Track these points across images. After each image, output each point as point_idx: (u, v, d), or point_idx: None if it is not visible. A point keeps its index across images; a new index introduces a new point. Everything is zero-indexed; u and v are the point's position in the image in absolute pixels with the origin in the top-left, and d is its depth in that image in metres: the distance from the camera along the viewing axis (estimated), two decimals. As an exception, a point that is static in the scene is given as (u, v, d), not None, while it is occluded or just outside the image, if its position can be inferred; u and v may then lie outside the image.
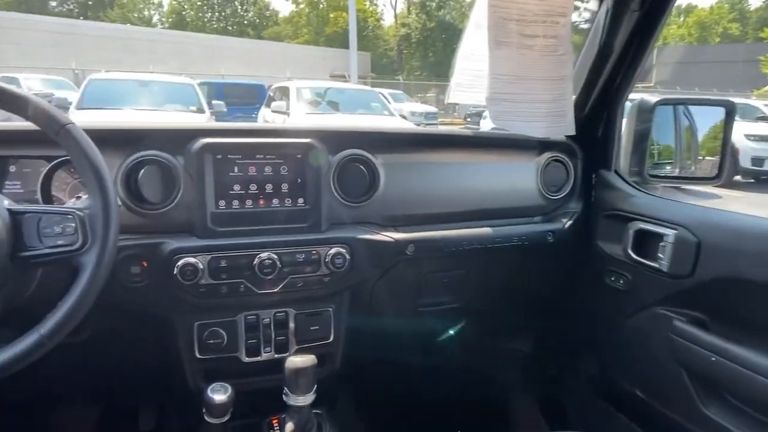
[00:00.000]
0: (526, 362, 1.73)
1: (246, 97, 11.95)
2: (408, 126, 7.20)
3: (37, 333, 0.73)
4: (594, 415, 1.50)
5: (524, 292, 1.51)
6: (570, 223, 1.38)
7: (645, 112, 1.29)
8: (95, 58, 17.09)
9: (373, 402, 1.48)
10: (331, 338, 1.21)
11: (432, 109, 16.76)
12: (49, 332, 0.73)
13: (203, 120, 6.62)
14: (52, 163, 1.01)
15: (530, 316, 1.60)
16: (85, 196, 0.81)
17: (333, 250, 1.12)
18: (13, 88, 0.79)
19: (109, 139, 1.00)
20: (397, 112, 9.12)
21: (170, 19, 42.17)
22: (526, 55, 1.27)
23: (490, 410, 1.68)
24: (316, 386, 1.03)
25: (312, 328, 1.18)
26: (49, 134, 0.79)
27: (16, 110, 0.79)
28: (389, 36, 38.92)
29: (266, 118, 8.35)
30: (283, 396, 1.02)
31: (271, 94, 9.16)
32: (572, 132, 1.35)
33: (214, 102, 8.27)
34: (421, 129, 1.43)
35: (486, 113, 1.54)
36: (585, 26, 1.43)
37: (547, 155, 1.37)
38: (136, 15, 40.92)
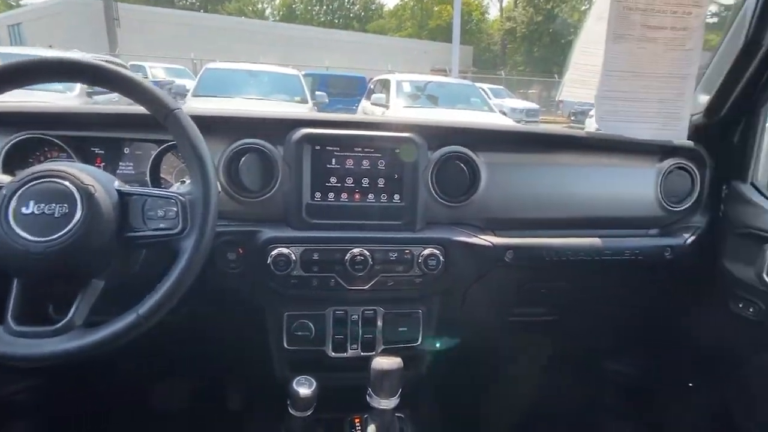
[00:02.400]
0: (629, 386, 1.59)
1: (347, 89, 12.14)
2: (510, 123, 6.92)
3: (135, 313, 0.75)
4: None
5: (631, 312, 1.37)
6: (692, 238, 1.23)
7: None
8: (212, 48, 18.21)
9: (457, 409, 1.44)
10: (419, 341, 1.18)
11: (534, 105, 15.93)
12: (146, 313, 0.75)
13: (305, 111, 6.80)
14: (161, 147, 1.07)
15: (635, 338, 1.46)
16: (188, 181, 0.82)
17: (427, 251, 1.08)
18: (127, 72, 0.80)
19: (214, 126, 1.02)
20: (497, 108, 8.84)
21: (281, 12, 44.38)
22: (646, 49, 1.18)
23: (577, 429, 1.58)
24: (400, 390, 1.01)
25: (400, 329, 1.16)
26: (158, 118, 0.82)
27: (129, 94, 0.81)
28: (493, 30, 37.81)
29: (366, 110, 8.46)
30: (367, 397, 1.01)
31: (372, 87, 9.24)
32: (684, 137, 1.22)
33: (316, 93, 8.47)
34: (529, 128, 1.34)
35: (593, 111, 1.42)
36: (713, 21, 1.26)
37: (669, 162, 1.23)
38: (250, 8, 43.47)
